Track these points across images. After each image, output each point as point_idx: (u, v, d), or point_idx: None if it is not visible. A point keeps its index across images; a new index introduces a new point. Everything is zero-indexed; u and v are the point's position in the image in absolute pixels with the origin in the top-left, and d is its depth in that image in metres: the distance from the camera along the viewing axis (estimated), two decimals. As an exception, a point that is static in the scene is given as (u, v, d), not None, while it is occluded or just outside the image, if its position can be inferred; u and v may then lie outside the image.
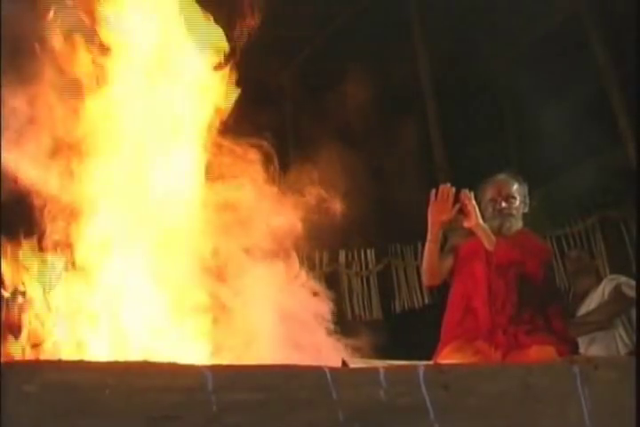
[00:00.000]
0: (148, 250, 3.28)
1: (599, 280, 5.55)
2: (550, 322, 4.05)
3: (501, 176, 4.31)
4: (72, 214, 3.26)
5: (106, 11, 3.40)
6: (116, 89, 3.39)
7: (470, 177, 4.29)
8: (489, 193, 4.22)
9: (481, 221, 4.11)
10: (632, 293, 5.25)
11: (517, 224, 4.22)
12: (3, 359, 2.53)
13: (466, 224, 4.11)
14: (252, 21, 3.58)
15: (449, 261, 4.23)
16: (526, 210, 4.27)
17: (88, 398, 2.29)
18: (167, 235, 3.31)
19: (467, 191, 4.09)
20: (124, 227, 3.27)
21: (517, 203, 4.22)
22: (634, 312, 5.26)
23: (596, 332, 5.32)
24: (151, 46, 3.47)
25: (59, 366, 2.40)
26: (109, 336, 3.11)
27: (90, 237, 3.24)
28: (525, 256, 4.07)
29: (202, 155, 3.51)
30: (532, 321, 4.02)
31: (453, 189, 4.07)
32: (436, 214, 4.06)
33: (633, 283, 5.32)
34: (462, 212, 4.09)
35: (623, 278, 5.44)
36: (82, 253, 3.24)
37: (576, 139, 7.86)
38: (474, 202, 4.09)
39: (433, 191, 4.08)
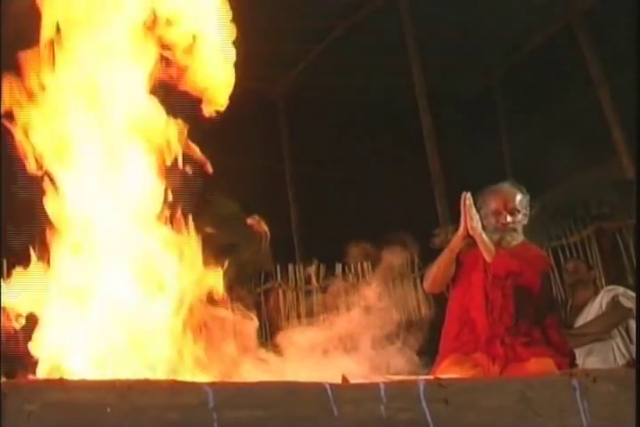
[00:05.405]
0: None
1: (597, 291, 5.56)
2: (547, 334, 4.05)
3: (506, 186, 4.21)
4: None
5: None
6: None
7: (466, 189, 4.28)
8: (493, 204, 4.13)
9: (480, 228, 4.07)
10: (629, 304, 5.26)
11: (518, 238, 4.17)
12: (3, 379, 2.53)
13: (470, 231, 4.05)
14: None
15: (451, 270, 4.22)
16: (525, 222, 4.24)
17: (89, 416, 2.29)
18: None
19: (468, 195, 4.04)
20: None
21: (520, 216, 4.17)
22: (631, 323, 5.28)
23: (594, 343, 5.34)
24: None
25: (60, 385, 2.40)
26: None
27: None
28: (523, 267, 4.06)
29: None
30: (530, 333, 4.02)
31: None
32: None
33: (630, 294, 5.33)
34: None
35: (621, 289, 5.45)
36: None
37: (571, 151, 7.90)
38: (474, 210, 4.05)
39: (465, 199, 4.02)
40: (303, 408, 2.48)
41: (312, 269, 8.05)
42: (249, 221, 7.70)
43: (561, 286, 6.68)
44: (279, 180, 9.93)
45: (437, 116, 8.21)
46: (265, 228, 7.75)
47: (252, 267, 7.65)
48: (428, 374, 3.77)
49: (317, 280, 8.33)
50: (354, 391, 2.61)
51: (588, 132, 8.22)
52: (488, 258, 4.06)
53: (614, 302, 5.34)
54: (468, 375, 3.76)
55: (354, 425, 2.50)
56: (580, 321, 5.46)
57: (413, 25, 8.32)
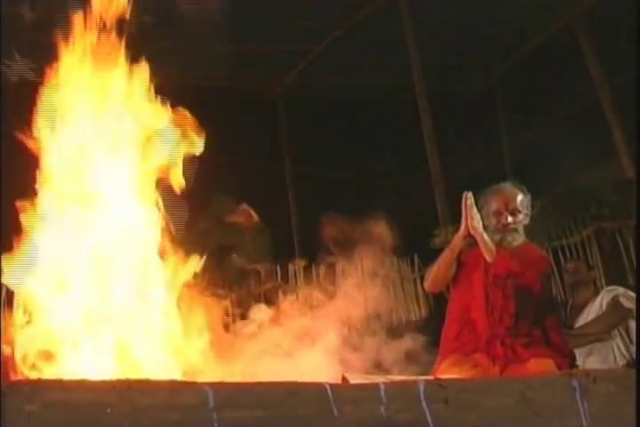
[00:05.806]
0: None
1: (597, 292, 5.57)
2: (548, 334, 4.05)
3: (507, 186, 4.22)
4: None
5: None
6: None
7: (466, 189, 4.27)
8: (494, 204, 4.13)
9: (481, 228, 4.06)
10: (630, 304, 5.26)
11: (519, 239, 4.17)
12: (3, 379, 2.53)
13: (471, 231, 4.04)
14: None
15: (452, 270, 4.22)
16: (527, 222, 4.23)
17: (89, 416, 2.29)
18: None
19: (469, 195, 4.02)
20: None
21: (521, 216, 4.16)
22: (632, 323, 5.28)
23: (594, 343, 5.34)
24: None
25: (60, 385, 2.40)
26: None
27: None
28: (523, 267, 4.06)
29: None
30: (530, 334, 4.02)
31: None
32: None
33: (630, 294, 5.34)
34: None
35: (621, 290, 5.45)
36: None
37: (571, 151, 7.89)
38: (474, 210, 4.05)
39: (466, 199, 4.02)
40: (303, 408, 2.48)
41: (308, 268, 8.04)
42: (238, 216, 7.68)
43: (561, 286, 6.67)
44: (279, 180, 9.92)
45: (437, 117, 8.20)
46: (256, 218, 7.73)
47: (250, 264, 7.65)
48: (428, 374, 3.77)
49: (317, 280, 8.32)
50: (354, 391, 2.61)
51: (588, 132, 8.21)
52: (489, 258, 4.06)
53: (614, 303, 5.34)
54: (468, 376, 3.77)
55: (354, 425, 2.50)
56: (580, 321, 5.46)
57: (413, 25, 8.32)
